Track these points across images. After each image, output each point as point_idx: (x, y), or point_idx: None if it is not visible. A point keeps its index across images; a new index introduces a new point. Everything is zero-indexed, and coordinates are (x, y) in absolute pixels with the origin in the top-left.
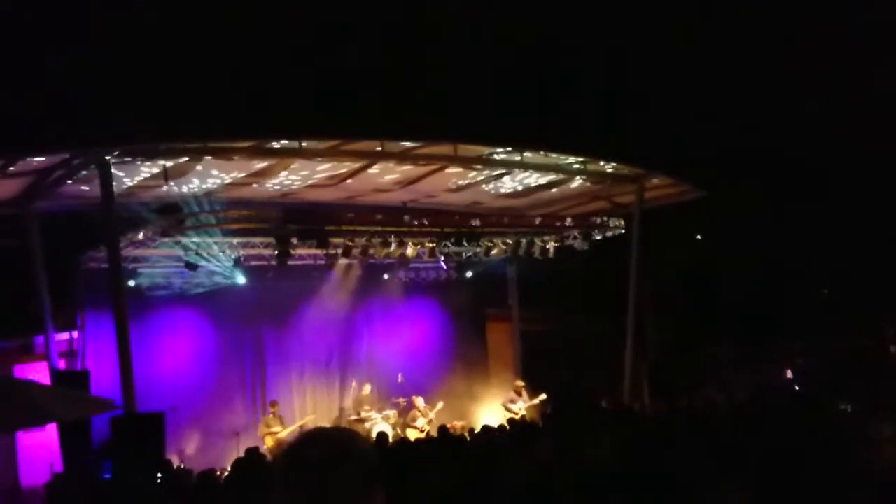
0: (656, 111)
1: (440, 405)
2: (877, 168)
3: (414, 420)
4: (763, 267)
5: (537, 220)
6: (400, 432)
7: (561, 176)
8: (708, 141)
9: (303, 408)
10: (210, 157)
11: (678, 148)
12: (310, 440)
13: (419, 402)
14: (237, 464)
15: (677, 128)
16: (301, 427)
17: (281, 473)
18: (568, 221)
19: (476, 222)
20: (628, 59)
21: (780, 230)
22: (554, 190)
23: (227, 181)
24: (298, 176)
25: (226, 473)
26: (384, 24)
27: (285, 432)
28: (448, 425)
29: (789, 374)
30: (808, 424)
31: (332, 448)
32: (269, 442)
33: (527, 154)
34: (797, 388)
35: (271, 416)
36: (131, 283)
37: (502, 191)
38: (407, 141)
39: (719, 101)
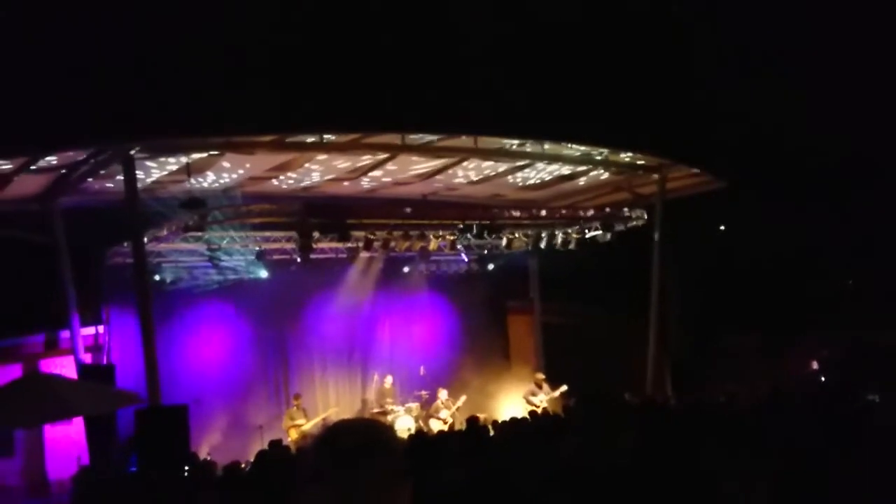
0: (679, 101)
1: (464, 398)
2: None
3: (437, 411)
4: (787, 258)
5: (559, 213)
6: (423, 424)
7: (583, 168)
8: (731, 131)
9: (325, 400)
10: (232, 152)
11: (701, 138)
12: (340, 432)
13: (443, 394)
14: (261, 456)
15: (701, 118)
16: (324, 420)
17: (310, 465)
18: (589, 213)
19: (497, 214)
20: (651, 49)
21: (805, 220)
22: (581, 181)
23: (249, 175)
24: (320, 169)
25: (250, 466)
26: (402, 16)
27: (309, 425)
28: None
29: (815, 366)
30: (834, 415)
31: (362, 440)
32: (293, 434)
33: (548, 145)
34: (822, 379)
35: (295, 408)
36: (156, 277)
37: (525, 183)
38: (427, 133)
39: (742, 91)
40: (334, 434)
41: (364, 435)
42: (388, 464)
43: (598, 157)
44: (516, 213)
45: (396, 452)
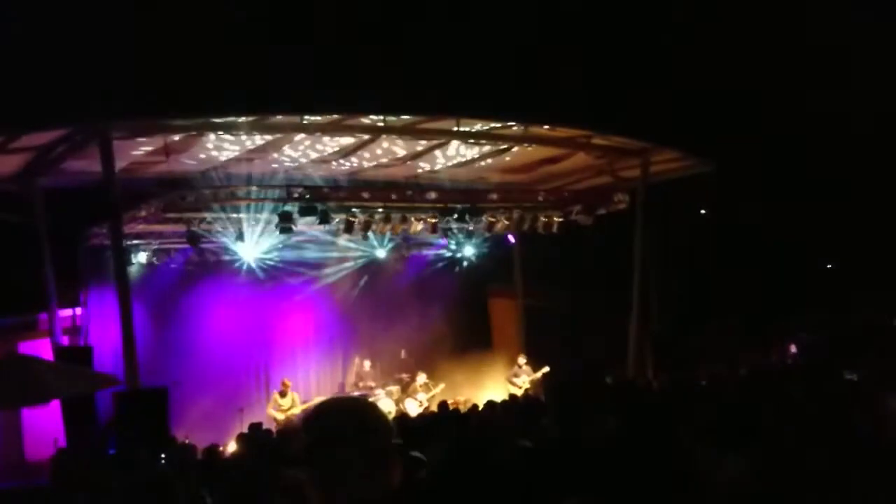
0: (661, 83)
1: (442, 386)
2: (882, 138)
3: (415, 392)
4: (768, 241)
5: (541, 196)
6: (401, 407)
7: (566, 150)
8: (712, 114)
9: (306, 382)
10: (211, 133)
11: (684, 121)
12: (328, 411)
13: (421, 377)
14: (242, 439)
15: (683, 100)
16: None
17: (299, 447)
18: (571, 196)
19: (479, 197)
20: (634, 31)
21: (785, 204)
22: (567, 163)
23: (229, 156)
24: (300, 151)
25: (229, 449)
26: None
27: (296, 409)
28: (450, 401)
29: (793, 349)
30: (812, 396)
31: (350, 419)
32: (279, 418)
33: (531, 128)
34: (801, 361)
35: (281, 393)
36: (135, 259)
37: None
38: (408, 115)
39: (724, 73)
40: (322, 413)
41: (352, 413)
42: (376, 442)
43: (581, 141)
44: (496, 196)
45: (385, 431)
